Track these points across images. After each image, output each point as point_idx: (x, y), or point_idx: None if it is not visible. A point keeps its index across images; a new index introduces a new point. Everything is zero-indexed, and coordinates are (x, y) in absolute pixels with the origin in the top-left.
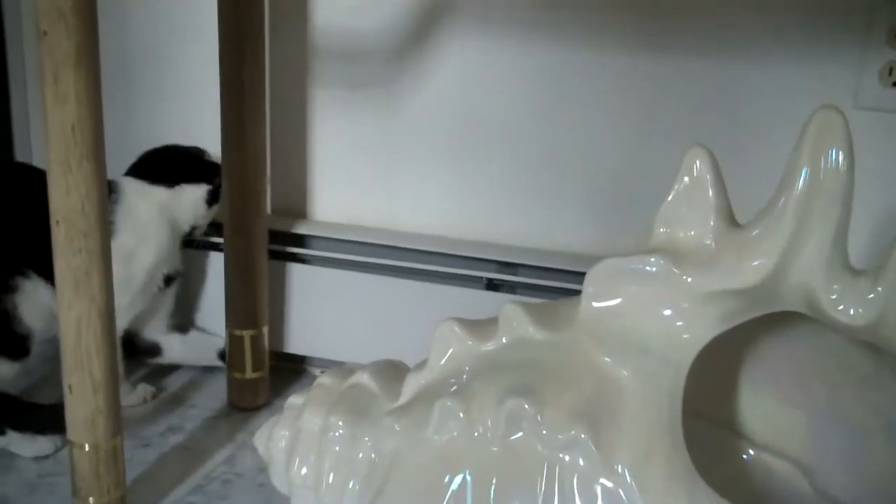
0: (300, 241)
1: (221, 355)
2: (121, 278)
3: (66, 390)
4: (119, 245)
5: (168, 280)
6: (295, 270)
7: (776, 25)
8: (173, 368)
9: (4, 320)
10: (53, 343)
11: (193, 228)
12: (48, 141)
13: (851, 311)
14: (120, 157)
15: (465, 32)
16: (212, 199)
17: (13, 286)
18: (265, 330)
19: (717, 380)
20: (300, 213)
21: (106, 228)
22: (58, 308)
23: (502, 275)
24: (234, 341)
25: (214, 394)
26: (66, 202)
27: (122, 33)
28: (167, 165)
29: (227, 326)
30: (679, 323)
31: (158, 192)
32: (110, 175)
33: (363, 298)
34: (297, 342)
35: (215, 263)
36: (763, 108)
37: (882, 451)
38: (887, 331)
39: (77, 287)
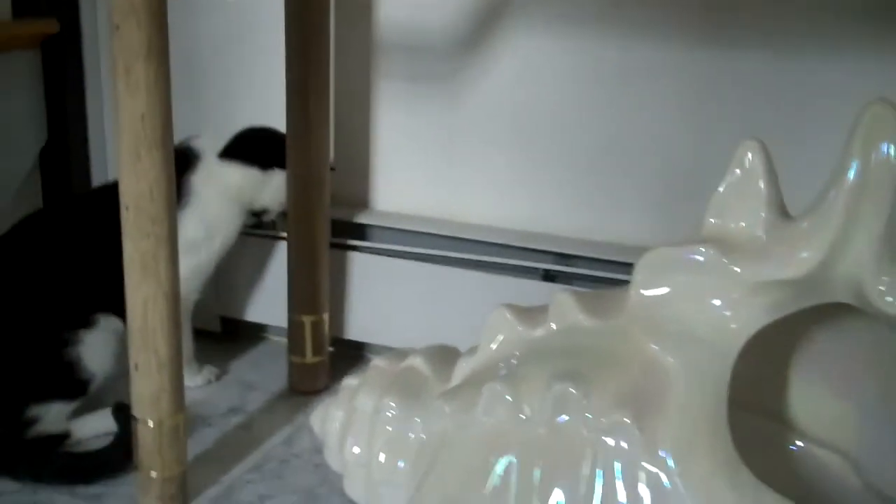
0: (361, 231)
1: None
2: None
3: (132, 368)
4: (198, 215)
5: None
6: (356, 259)
7: (838, 19)
8: (238, 352)
9: (67, 368)
10: None
11: (262, 212)
12: (120, 130)
13: None
14: None
15: (524, 27)
16: None
17: (82, 329)
18: (326, 316)
19: (770, 372)
20: (362, 203)
21: (173, 215)
22: (126, 290)
23: (559, 266)
24: (295, 327)
25: (276, 377)
26: (136, 188)
27: (191, 27)
28: (262, 148)
29: (288, 312)
30: (727, 312)
31: (250, 174)
32: None
33: (421, 287)
34: (357, 329)
35: (273, 253)
36: (823, 103)
37: None
38: None
39: (145, 270)
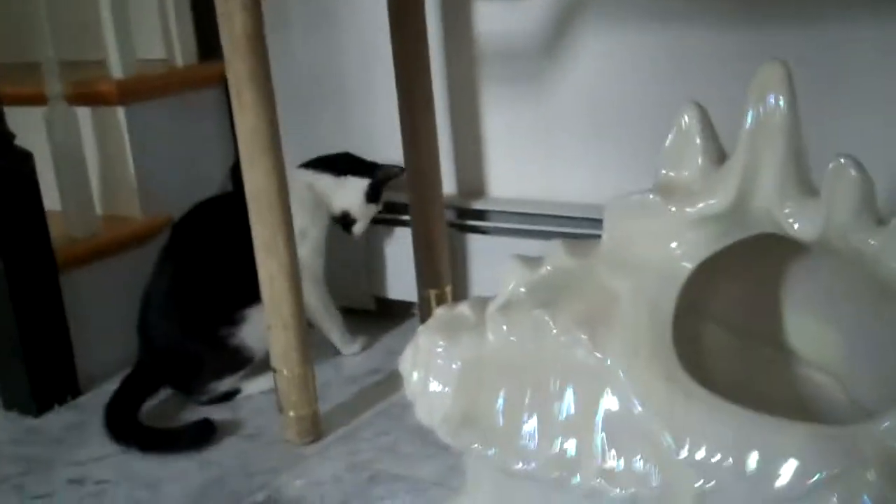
0: (479, 215)
1: None
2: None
3: (266, 329)
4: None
5: None
6: (475, 239)
7: None
8: (389, 326)
9: (233, 351)
10: None
11: (345, 216)
12: (238, 141)
13: (800, 226)
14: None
15: (595, 31)
16: (371, 195)
17: (240, 318)
18: (448, 289)
19: (777, 310)
20: (479, 191)
21: (286, 205)
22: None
23: None
24: (423, 300)
25: None
26: (254, 186)
27: (311, 59)
28: (335, 162)
29: (417, 288)
30: (672, 245)
31: (324, 179)
32: None
33: None
34: None
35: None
36: (862, 70)
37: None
38: (836, 241)
39: (268, 250)
